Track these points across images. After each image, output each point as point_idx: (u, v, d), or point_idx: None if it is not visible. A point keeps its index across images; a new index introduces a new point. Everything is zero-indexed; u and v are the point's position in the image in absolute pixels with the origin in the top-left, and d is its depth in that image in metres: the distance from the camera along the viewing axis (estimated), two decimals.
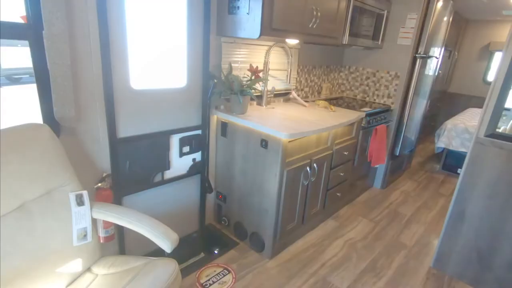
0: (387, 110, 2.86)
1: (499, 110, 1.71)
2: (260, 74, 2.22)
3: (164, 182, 1.91)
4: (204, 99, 1.96)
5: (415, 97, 3.00)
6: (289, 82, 2.37)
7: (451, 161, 3.83)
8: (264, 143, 1.84)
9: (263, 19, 1.67)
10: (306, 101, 2.71)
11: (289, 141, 1.80)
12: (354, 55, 3.14)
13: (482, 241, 1.90)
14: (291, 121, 1.95)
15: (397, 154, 3.10)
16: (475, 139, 1.81)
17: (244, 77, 2.14)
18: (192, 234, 2.25)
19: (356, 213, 2.70)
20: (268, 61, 2.24)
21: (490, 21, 4.69)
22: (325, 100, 2.88)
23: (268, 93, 2.36)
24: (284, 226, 2.01)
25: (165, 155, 1.86)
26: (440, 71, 4.49)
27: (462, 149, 3.60)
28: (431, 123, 5.14)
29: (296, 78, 2.67)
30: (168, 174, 1.93)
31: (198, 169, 2.09)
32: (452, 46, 4.61)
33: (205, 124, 2.02)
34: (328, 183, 2.33)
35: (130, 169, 1.71)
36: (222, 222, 2.27)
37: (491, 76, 4.88)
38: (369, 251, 2.22)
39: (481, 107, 5.15)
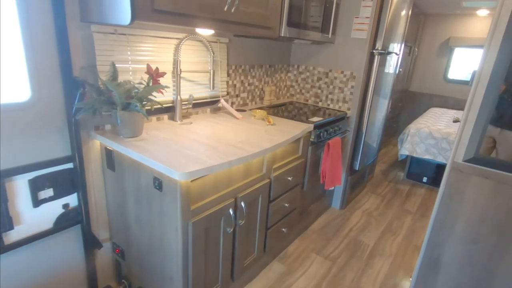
0: (342, 118, 2.37)
1: (482, 126, 1.23)
2: (168, 79, 1.61)
3: (6, 248, 1.24)
4: (70, 118, 1.31)
5: (375, 99, 2.54)
6: (213, 88, 1.78)
7: (416, 169, 3.46)
8: (158, 183, 1.23)
9: None
10: (243, 110, 2.14)
11: (193, 180, 1.20)
12: (303, 52, 2.62)
13: None
14: (204, 146, 1.36)
15: (357, 168, 2.63)
16: (451, 164, 1.32)
17: (140, 83, 1.51)
18: None
19: (309, 248, 2.17)
20: (179, 60, 1.63)
21: (450, 15, 4.42)
22: (269, 107, 2.33)
23: (185, 103, 1.76)
24: None
25: None
26: (400, 69, 4.13)
27: (427, 156, 3.23)
28: (393, 125, 4.81)
29: (227, 82, 2.08)
30: (14, 236, 1.26)
31: (74, 219, 1.44)
32: (412, 41, 4.28)
33: (78, 153, 1.37)
34: (268, 221, 1.77)
35: None
36: (121, 287, 1.63)
37: (452, 74, 4.63)
38: None
39: (443, 106, 4.89)
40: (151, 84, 1.46)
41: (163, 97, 1.66)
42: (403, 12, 2.57)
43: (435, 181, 3.37)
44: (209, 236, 1.36)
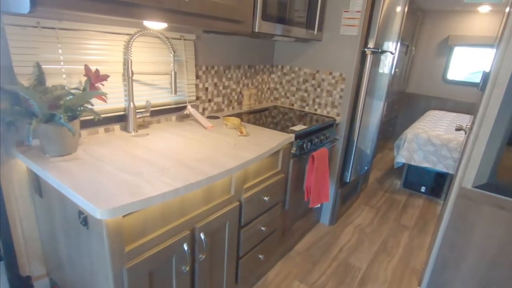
0: (330, 125, 2.10)
1: (499, 143, 0.97)
2: (118, 82, 1.34)
3: None
4: None
5: (369, 102, 2.28)
6: (175, 92, 1.51)
7: (413, 178, 3.20)
8: (83, 217, 0.96)
9: None
10: (216, 117, 1.87)
11: (126, 215, 0.93)
12: (287, 51, 2.35)
13: None
14: (151, 166, 1.09)
15: (348, 181, 2.37)
16: (458, 191, 1.06)
17: (77, 88, 1.24)
18: None
19: (292, 274, 1.90)
20: (130, 60, 1.36)
21: (449, 11, 4.17)
22: (249, 112, 2.06)
23: (141, 110, 1.49)
24: None
25: None
26: (396, 69, 3.88)
27: (425, 164, 2.97)
28: (389, 128, 4.55)
29: (197, 85, 1.81)
30: None
31: None
32: (409, 40, 4.02)
33: None
34: (239, 249, 1.50)
35: None
36: None
37: (451, 74, 4.38)
38: None
39: (441, 109, 4.64)
40: (88, 90, 1.19)
41: (111, 104, 1.39)
42: (399, 8, 2.31)
43: (434, 191, 3.11)
44: (156, 281, 1.09)
